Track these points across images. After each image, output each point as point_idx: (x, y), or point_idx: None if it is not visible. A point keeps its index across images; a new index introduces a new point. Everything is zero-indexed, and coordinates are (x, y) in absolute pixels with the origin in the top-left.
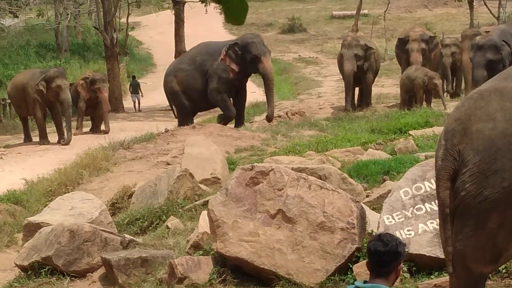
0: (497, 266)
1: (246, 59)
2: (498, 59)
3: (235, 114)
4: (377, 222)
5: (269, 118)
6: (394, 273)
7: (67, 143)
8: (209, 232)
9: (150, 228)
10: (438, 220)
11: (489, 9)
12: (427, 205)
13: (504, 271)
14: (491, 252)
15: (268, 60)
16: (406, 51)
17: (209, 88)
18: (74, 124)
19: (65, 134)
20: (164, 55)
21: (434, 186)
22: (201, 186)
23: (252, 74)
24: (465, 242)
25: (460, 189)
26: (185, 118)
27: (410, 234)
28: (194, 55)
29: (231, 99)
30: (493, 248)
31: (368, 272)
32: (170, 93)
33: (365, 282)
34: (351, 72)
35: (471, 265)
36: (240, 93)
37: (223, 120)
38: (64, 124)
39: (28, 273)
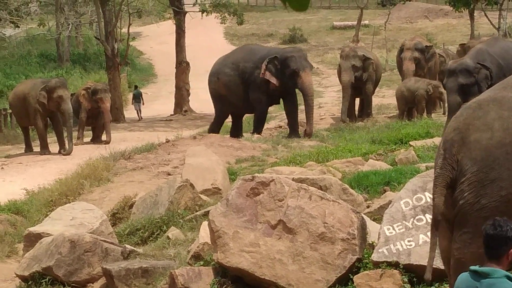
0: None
1: (285, 73)
2: (472, 82)
3: (261, 131)
4: (377, 233)
5: (307, 135)
6: (505, 257)
7: (68, 154)
8: (210, 243)
9: (151, 238)
10: None
11: (489, 20)
12: (427, 216)
13: None
14: None
15: (308, 75)
16: (400, 60)
17: (251, 97)
18: (75, 134)
19: (66, 144)
20: (165, 65)
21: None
22: (202, 196)
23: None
24: (463, 250)
25: (459, 198)
26: (219, 120)
27: (410, 245)
28: (238, 60)
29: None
30: None
31: (369, 284)
32: (212, 94)
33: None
34: (348, 83)
35: None
36: (288, 99)
37: (255, 131)
38: (65, 134)
39: (29, 283)
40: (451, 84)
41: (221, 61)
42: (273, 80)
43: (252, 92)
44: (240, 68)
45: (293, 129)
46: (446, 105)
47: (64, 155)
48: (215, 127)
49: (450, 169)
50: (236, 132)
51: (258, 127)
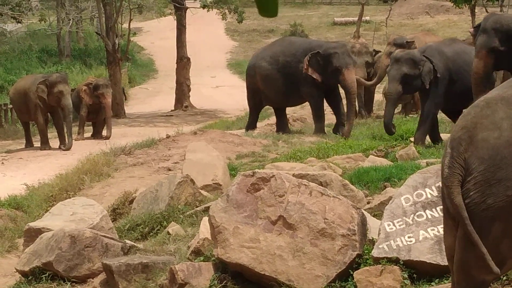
0: (500, 274)
1: (327, 70)
2: (416, 74)
3: (323, 128)
4: (378, 229)
5: (344, 135)
6: None
7: (68, 149)
8: (210, 238)
9: (151, 234)
10: (438, 227)
11: None
12: (428, 212)
13: (504, 278)
14: (494, 260)
15: (350, 73)
16: None
17: (302, 92)
18: (75, 129)
19: (66, 139)
20: (165, 61)
21: (435, 193)
22: (202, 192)
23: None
24: (468, 250)
25: (465, 197)
26: (255, 114)
27: (411, 241)
28: (277, 54)
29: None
30: (496, 256)
31: (369, 280)
32: (248, 88)
33: None
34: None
35: (474, 273)
36: (334, 94)
37: (316, 132)
38: (65, 129)
39: (29, 278)
40: (395, 72)
41: (259, 54)
42: (316, 76)
43: (302, 87)
44: (280, 62)
45: (336, 125)
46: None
47: (64, 150)
48: (253, 123)
49: (459, 167)
50: (281, 126)
51: (317, 122)
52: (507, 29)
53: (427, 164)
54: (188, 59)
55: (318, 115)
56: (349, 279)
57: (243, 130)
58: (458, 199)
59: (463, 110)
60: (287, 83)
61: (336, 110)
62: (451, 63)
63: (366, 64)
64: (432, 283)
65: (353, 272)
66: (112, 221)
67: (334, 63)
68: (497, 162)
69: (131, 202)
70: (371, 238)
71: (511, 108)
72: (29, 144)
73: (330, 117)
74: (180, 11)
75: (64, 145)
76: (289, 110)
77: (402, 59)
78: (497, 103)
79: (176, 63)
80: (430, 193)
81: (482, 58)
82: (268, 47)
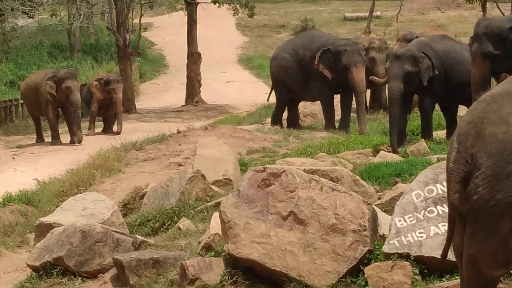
0: (509, 269)
1: (337, 67)
2: (416, 71)
3: (333, 124)
4: (388, 225)
5: (362, 134)
6: None
7: (79, 141)
8: (221, 234)
9: (162, 229)
10: None
11: (501, 12)
12: (439, 207)
13: None
14: (503, 256)
15: (359, 72)
16: None
17: (313, 87)
18: (86, 124)
19: (76, 133)
20: (176, 56)
21: (446, 189)
22: (213, 187)
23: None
24: (477, 246)
25: (473, 193)
26: (280, 105)
27: (421, 237)
28: (297, 46)
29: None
30: (505, 252)
31: (380, 275)
32: (272, 79)
33: None
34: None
35: (483, 269)
36: (346, 92)
37: (326, 128)
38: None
39: (40, 273)
40: (397, 70)
41: (282, 46)
42: (326, 73)
43: (314, 82)
44: (299, 55)
45: (342, 124)
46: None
47: (76, 143)
48: (278, 115)
49: (464, 163)
50: (293, 121)
51: (327, 119)
52: (499, 32)
53: (438, 160)
54: (199, 54)
55: (329, 113)
56: (360, 275)
57: (254, 126)
58: (454, 197)
59: (463, 106)
60: (304, 76)
61: (343, 110)
62: (445, 59)
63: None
64: (443, 279)
65: (364, 267)
66: (123, 216)
67: (343, 61)
68: (505, 156)
69: (142, 197)
70: (382, 234)
71: None
72: (40, 139)
73: (339, 113)
74: (191, 6)
75: (75, 138)
76: (300, 105)
77: (404, 56)
78: (503, 98)
79: (187, 58)
80: (441, 189)
81: (477, 64)
82: (292, 39)
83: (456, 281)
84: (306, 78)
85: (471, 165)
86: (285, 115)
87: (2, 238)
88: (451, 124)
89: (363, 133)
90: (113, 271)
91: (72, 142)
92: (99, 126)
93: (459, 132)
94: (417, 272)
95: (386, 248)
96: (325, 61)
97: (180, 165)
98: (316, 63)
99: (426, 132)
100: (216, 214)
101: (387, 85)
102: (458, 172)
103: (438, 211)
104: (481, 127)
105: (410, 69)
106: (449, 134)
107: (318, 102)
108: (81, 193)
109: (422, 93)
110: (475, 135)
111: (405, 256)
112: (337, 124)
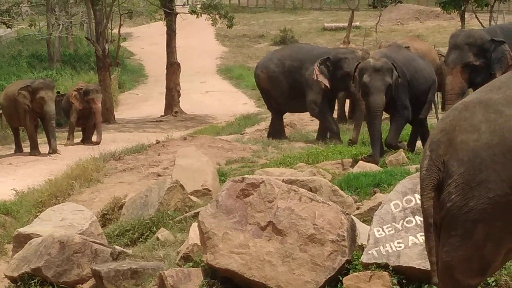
0: (485, 277)
1: (337, 75)
2: (392, 82)
3: (337, 128)
4: (367, 235)
5: (352, 143)
6: None
7: (54, 151)
8: (199, 244)
9: (141, 239)
10: None
11: (480, 22)
12: (417, 217)
13: (494, 284)
14: (479, 263)
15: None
16: None
17: (307, 100)
18: (65, 134)
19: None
20: (155, 66)
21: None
22: (192, 197)
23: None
24: (452, 254)
25: (446, 200)
26: (272, 114)
27: (400, 247)
28: (284, 57)
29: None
30: (481, 259)
31: (358, 285)
32: (258, 87)
33: None
34: None
35: (458, 277)
36: (332, 100)
37: (330, 136)
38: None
39: (18, 284)
40: (379, 83)
41: (268, 56)
42: (325, 82)
43: (308, 95)
44: (286, 66)
45: (320, 134)
46: (436, 110)
47: (50, 153)
48: (273, 124)
49: (436, 171)
50: (278, 132)
51: (329, 129)
52: (481, 43)
53: (416, 170)
54: (178, 64)
55: (328, 122)
56: (338, 285)
57: (233, 136)
58: (428, 204)
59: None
60: (291, 88)
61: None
62: (406, 70)
63: None
64: None
65: (342, 278)
66: (102, 227)
67: (345, 68)
68: (477, 164)
69: (121, 207)
70: (360, 244)
71: (489, 111)
72: (18, 150)
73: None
74: (170, 17)
75: (51, 149)
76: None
77: (384, 69)
78: (475, 106)
79: (166, 68)
80: (419, 199)
81: (457, 74)
82: (278, 50)
83: None
84: (294, 89)
85: (444, 173)
86: (266, 125)
87: None
88: (416, 133)
89: (355, 141)
90: (91, 282)
91: (49, 152)
92: (78, 136)
93: (431, 140)
94: (396, 282)
95: (364, 258)
96: (324, 70)
97: (159, 175)
98: (315, 73)
99: (394, 142)
100: (195, 225)
101: (368, 98)
102: (431, 179)
103: (416, 221)
104: (453, 134)
105: (390, 81)
106: (409, 144)
107: (299, 114)
108: (59, 203)
109: (393, 105)
110: (447, 142)
111: (384, 266)
112: (315, 134)
